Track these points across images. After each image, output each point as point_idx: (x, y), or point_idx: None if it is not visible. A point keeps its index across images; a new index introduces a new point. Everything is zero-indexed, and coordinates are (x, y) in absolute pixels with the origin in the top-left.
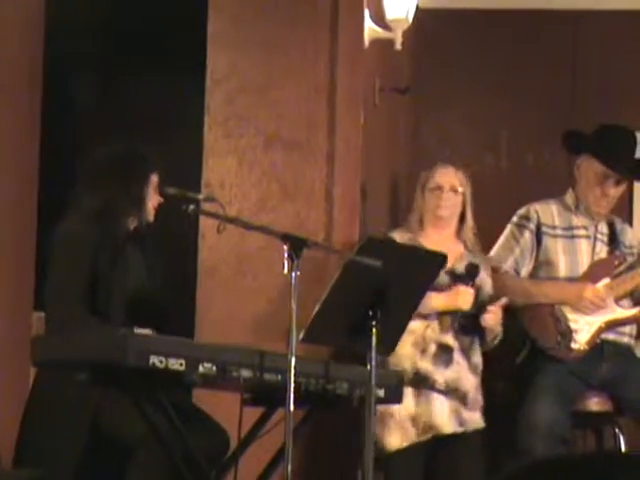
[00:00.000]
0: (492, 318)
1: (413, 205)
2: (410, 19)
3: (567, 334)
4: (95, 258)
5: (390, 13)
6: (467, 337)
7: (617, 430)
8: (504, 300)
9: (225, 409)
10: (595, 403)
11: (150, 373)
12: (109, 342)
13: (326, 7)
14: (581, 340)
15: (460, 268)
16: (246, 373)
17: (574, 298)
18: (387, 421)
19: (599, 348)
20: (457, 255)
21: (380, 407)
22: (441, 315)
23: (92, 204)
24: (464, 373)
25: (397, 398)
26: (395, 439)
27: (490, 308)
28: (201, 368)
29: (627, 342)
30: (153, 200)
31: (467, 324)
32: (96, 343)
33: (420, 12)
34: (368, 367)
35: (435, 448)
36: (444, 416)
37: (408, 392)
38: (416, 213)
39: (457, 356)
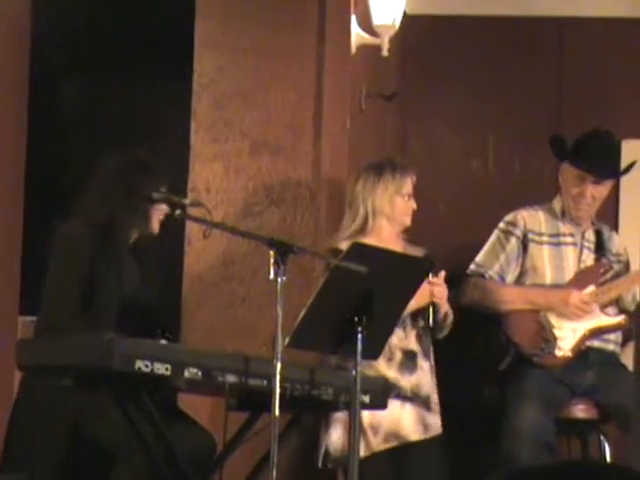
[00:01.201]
0: (439, 291)
1: (358, 207)
2: (397, 25)
3: (551, 341)
4: (92, 264)
5: (377, 19)
6: (427, 339)
7: (602, 437)
8: (443, 273)
9: (210, 414)
10: (580, 410)
11: (136, 377)
12: (95, 346)
13: (313, 13)
14: (565, 347)
15: None
16: (231, 378)
17: (559, 304)
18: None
19: (584, 355)
20: (403, 250)
21: (344, 414)
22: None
23: (97, 215)
24: (426, 376)
25: (382, 404)
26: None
27: (433, 279)
28: (186, 373)
29: (612, 349)
30: (159, 213)
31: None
32: (82, 347)
33: (407, 18)
34: (353, 373)
35: (400, 456)
36: (410, 423)
37: None
38: (362, 215)
39: (420, 360)
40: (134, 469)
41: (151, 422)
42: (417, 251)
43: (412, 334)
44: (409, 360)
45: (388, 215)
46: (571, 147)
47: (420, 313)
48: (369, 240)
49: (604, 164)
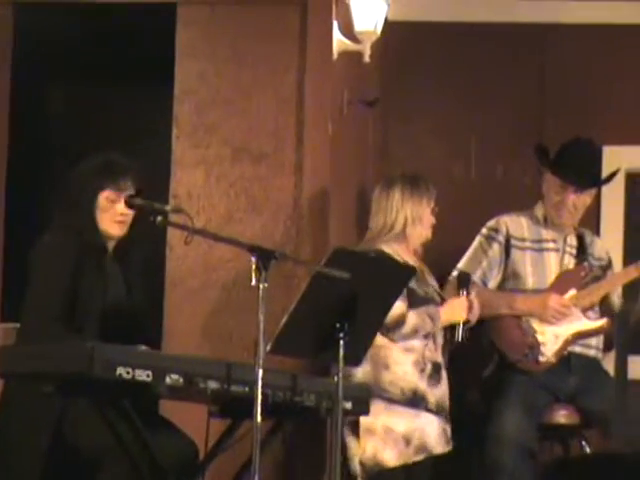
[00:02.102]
0: (476, 309)
1: (396, 213)
2: (379, 31)
3: (535, 347)
4: (74, 272)
5: (359, 25)
6: (446, 352)
7: (584, 443)
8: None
9: (192, 421)
10: (562, 416)
11: (117, 384)
12: (76, 353)
13: (295, 19)
14: (548, 353)
15: (433, 282)
16: (213, 385)
17: (539, 308)
18: (385, 437)
19: (566, 361)
20: (422, 270)
21: (376, 423)
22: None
23: (71, 222)
24: (446, 389)
25: (364, 410)
26: (391, 456)
27: (472, 297)
28: (168, 379)
29: (594, 355)
30: (111, 213)
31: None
32: (63, 354)
33: (389, 24)
34: (335, 379)
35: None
36: (435, 436)
37: (404, 411)
38: (401, 222)
39: (443, 373)
40: (116, 476)
41: (133, 429)
42: (430, 274)
43: (440, 346)
44: (435, 372)
45: (423, 224)
46: (553, 156)
47: (448, 327)
48: (407, 248)
49: (584, 174)
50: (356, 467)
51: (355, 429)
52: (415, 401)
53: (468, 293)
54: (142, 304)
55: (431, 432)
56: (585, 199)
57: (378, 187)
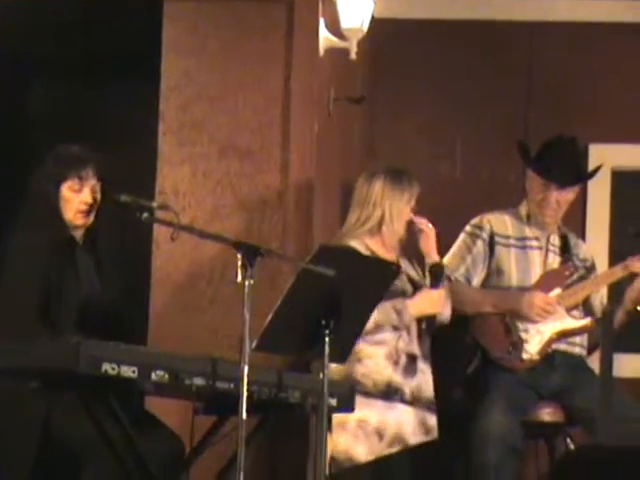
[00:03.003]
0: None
1: (374, 207)
2: (365, 29)
3: (518, 344)
4: (46, 268)
5: (345, 22)
6: (426, 342)
7: (568, 440)
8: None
9: (177, 417)
10: (546, 413)
11: (102, 380)
12: (61, 349)
13: (281, 16)
14: (532, 350)
15: (410, 272)
16: (199, 381)
17: (524, 306)
18: (357, 431)
19: (550, 358)
20: (398, 259)
21: (349, 417)
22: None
23: (25, 215)
24: (426, 379)
25: (349, 407)
26: (362, 451)
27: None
28: (153, 375)
29: (578, 352)
30: (74, 204)
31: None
32: (48, 350)
33: (375, 22)
34: (320, 376)
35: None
36: (411, 427)
37: (377, 404)
38: (378, 217)
39: (420, 364)
40: (102, 471)
41: (118, 424)
42: (407, 262)
43: (415, 337)
44: (411, 364)
45: (400, 221)
46: (535, 154)
47: (424, 318)
48: (381, 242)
49: (566, 171)
50: (326, 462)
51: (327, 423)
52: (389, 393)
53: (438, 286)
54: (115, 294)
55: (407, 423)
56: (568, 196)
57: (361, 177)
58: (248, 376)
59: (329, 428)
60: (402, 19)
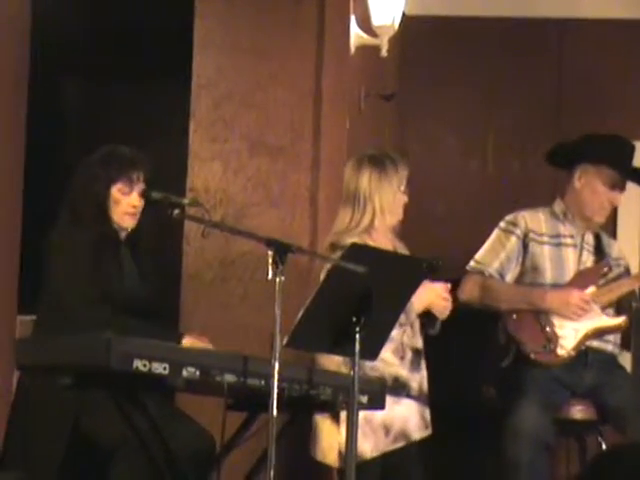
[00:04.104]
0: (447, 307)
1: (364, 203)
2: (396, 26)
3: (553, 339)
4: (95, 261)
5: (376, 19)
6: (422, 337)
7: (600, 438)
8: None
9: (208, 414)
10: (579, 411)
11: (133, 377)
12: (93, 345)
13: (312, 13)
14: (567, 346)
15: None
16: (230, 378)
17: (559, 304)
18: (364, 427)
19: (583, 355)
20: (394, 247)
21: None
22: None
23: (72, 211)
24: (425, 375)
25: (380, 404)
26: (369, 447)
27: (446, 294)
28: (185, 372)
29: (611, 350)
30: (123, 206)
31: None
32: (80, 346)
33: (406, 19)
34: (352, 373)
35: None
36: (415, 422)
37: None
38: (370, 212)
39: (422, 359)
40: (132, 468)
41: (149, 421)
42: (402, 246)
43: (418, 332)
44: (416, 358)
45: (392, 212)
46: (595, 149)
47: (424, 314)
48: (377, 236)
49: (635, 173)
50: (335, 457)
51: (336, 416)
52: (397, 388)
53: (431, 278)
54: (155, 295)
55: (411, 418)
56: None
57: (347, 167)
58: (279, 373)
59: (336, 421)
60: (433, 16)
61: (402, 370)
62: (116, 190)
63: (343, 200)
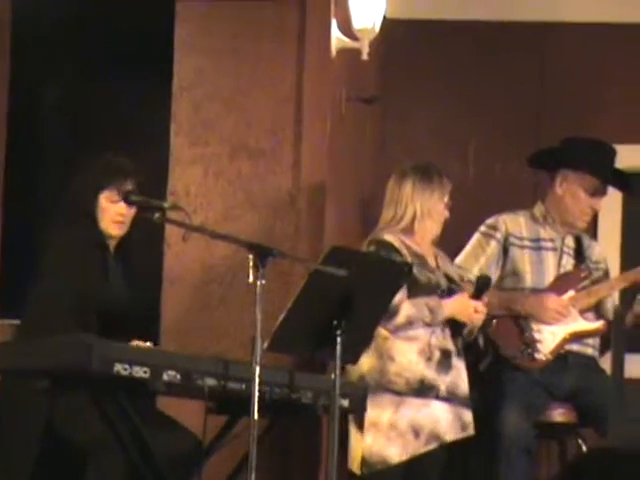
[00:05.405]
0: (479, 319)
1: (406, 206)
2: (377, 29)
3: (531, 344)
4: (80, 267)
5: (357, 23)
6: (460, 339)
7: (580, 441)
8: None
9: (189, 417)
10: (559, 414)
11: (114, 380)
12: (73, 349)
13: (293, 16)
14: (545, 350)
15: (448, 270)
16: (210, 382)
17: (537, 309)
18: (389, 433)
19: (563, 359)
20: (435, 255)
21: (382, 417)
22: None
23: (62, 218)
24: (461, 375)
25: (361, 408)
26: (395, 452)
27: (480, 308)
28: (165, 376)
29: (591, 353)
30: (109, 212)
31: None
32: (60, 350)
33: (387, 22)
34: (332, 376)
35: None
36: (447, 424)
37: (411, 402)
38: (411, 215)
39: (454, 360)
40: (107, 468)
41: (129, 424)
42: (446, 258)
43: (448, 334)
44: (445, 359)
45: (433, 218)
46: (575, 154)
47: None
48: (415, 239)
49: (622, 176)
50: (358, 462)
51: (360, 423)
52: (423, 390)
53: (480, 297)
54: (140, 304)
55: (442, 419)
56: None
57: (392, 177)
58: (260, 376)
59: (361, 428)
60: (414, 20)
61: (428, 371)
62: (104, 198)
63: (386, 203)
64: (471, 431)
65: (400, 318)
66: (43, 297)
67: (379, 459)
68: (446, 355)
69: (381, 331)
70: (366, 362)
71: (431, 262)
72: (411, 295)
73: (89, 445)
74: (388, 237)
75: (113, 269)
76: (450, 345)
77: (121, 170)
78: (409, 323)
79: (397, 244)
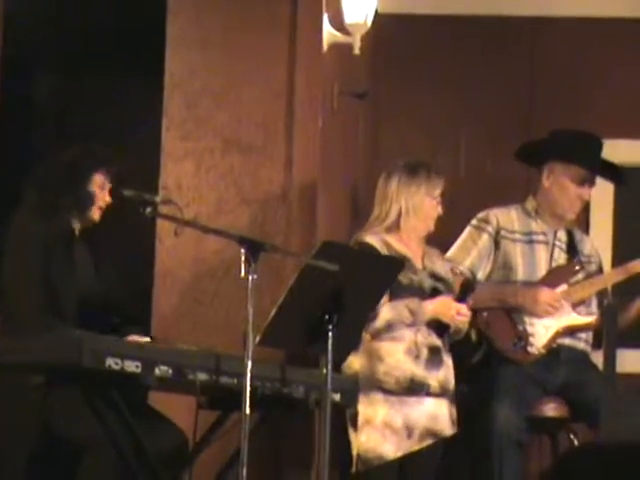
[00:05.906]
0: (463, 322)
1: (391, 204)
2: (369, 24)
3: (524, 337)
4: (45, 259)
5: (349, 17)
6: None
7: (572, 436)
8: (471, 302)
9: (181, 412)
10: (551, 408)
11: (106, 375)
12: (65, 343)
13: (285, 11)
14: (538, 344)
15: (437, 268)
16: (202, 376)
17: (530, 302)
18: (383, 430)
19: (555, 353)
20: (424, 253)
21: (376, 415)
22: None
23: (36, 199)
24: (450, 371)
25: (352, 402)
26: (390, 448)
27: (463, 311)
28: (157, 371)
29: (583, 348)
30: (98, 200)
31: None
32: (51, 345)
33: (379, 17)
34: (324, 371)
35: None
36: (445, 419)
37: (402, 401)
38: (395, 213)
39: (444, 356)
40: (102, 465)
41: (121, 419)
42: (437, 255)
43: (432, 330)
44: (435, 356)
45: (418, 215)
46: (562, 146)
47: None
48: (400, 238)
49: (610, 167)
50: (354, 459)
51: (354, 421)
52: (414, 389)
53: (464, 300)
54: (113, 289)
55: (440, 415)
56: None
57: (382, 175)
58: (251, 371)
59: (356, 425)
60: (405, 14)
61: (417, 369)
62: (94, 185)
63: (375, 202)
64: (456, 427)
65: (379, 322)
66: (12, 293)
67: (375, 455)
68: (435, 352)
69: (365, 334)
70: (356, 362)
71: (416, 262)
72: (393, 297)
73: (83, 440)
74: (369, 238)
75: (80, 256)
76: (438, 341)
77: (109, 157)
78: (388, 326)
79: (378, 245)
